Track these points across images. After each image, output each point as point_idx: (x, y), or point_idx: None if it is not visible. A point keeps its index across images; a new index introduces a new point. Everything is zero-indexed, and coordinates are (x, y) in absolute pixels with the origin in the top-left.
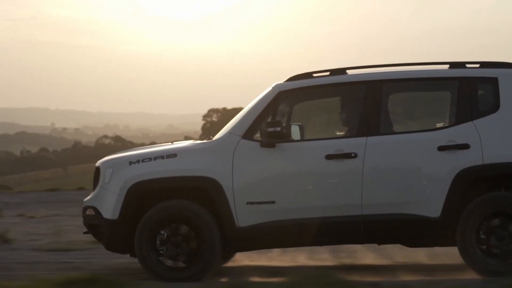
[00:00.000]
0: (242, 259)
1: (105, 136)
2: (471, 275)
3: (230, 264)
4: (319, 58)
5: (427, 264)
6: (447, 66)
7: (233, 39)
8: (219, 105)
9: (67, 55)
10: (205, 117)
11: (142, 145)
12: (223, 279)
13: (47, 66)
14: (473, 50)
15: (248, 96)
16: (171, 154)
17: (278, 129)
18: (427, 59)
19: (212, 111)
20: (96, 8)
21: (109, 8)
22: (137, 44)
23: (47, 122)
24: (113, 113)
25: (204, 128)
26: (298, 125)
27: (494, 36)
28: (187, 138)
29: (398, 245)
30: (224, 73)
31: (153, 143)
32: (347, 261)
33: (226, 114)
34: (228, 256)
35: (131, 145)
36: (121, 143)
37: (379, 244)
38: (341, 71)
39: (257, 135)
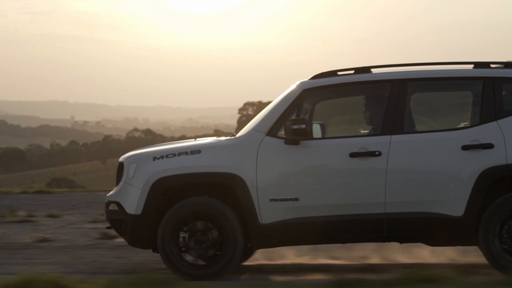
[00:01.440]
0: (257, 257)
1: (136, 130)
2: (493, 274)
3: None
4: (338, 52)
5: (444, 262)
6: (471, 66)
7: (251, 34)
8: (237, 99)
9: (86, 49)
10: (240, 110)
11: (172, 138)
12: (243, 277)
13: (66, 60)
14: (491, 45)
15: (266, 90)
16: (195, 150)
17: (303, 126)
18: (442, 54)
19: (247, 105)
20: (115, 2)
21: (127, 2)
22: (155, 38)
23: (67, 115)
24: (131, 106)
25: (239, 121)
26: (319, 123)
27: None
28: (217, 132)
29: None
30: (242, 67)
31: (183, 137)
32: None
33: (262, 107)
34: (248, 254)
35: (161, 139)
36: (151, 136)
37: (401, 242)
38: (366, 69)
39: (281, 132)
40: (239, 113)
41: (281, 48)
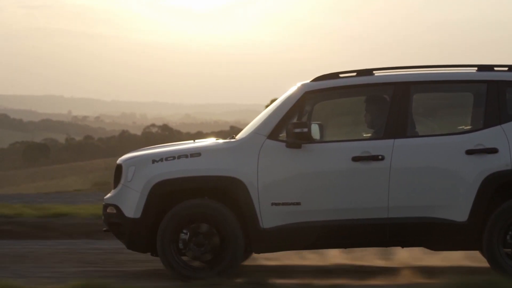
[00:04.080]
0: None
1: (153, 125)
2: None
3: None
4: (334, 50)
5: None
6: (475, 69)
7: (247, 30)
8: (234, 95)
9: (82, 43)
10: (267, 107)
11: (188, 135)
12: (240, 279)
13: (61, 54)
14: (488, 45)
15: (262, 86)
16: (195, 153)
17: (305, 130)
18: (439, 53)
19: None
20: None
21: None
22: (151, 33)
23: (63, 110)
24: (127, 101)
25: None
26: (318, 123)
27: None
28: (233, 129)
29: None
30: (238, 63)
31: (199, 133)
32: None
33: None
34: (247, 255)
35: (178, 134)
36: (168, 132)
37: (403, 247)
38: (368, 72)
39: (282, 135)
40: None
41: (277, 45)
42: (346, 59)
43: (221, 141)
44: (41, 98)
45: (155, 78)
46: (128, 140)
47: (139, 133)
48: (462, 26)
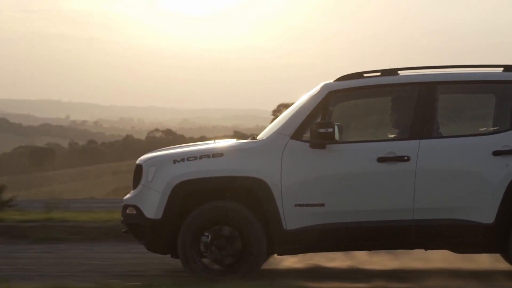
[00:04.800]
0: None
1: (156, 130)
2: None
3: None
4: (332, 55)
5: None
6: (501, 69)
7: (245, 35)
8: (230, 100)
9: (80, 48)
10: (274, 112)
11: (191, 139)
12: (264, 282)
13: (59, 59)
14: (485, 49)
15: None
16: (217, 153)
17: (330, 130)
18: (438, 56)
19: (281, 106)
20: (110, 1)
21: (122, 2)
22: (148, 38)
23: (61, 114)
24: (125, 106)
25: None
26: (337, 124)
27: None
28: (236, 134)
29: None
30: (236, 68)
31: (203, 138)
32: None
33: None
34: (266, 258)
35: (182, 139)
36: (172, 136)
37: (426, 249)
38: (393, 71)
39: (306, 135)
40: (272, 114)
41: (275, 50)
42: (345, 64)
43: (243, 141)
44: (38, 102)
45: (152, 83)
46: (131, 144)
47: (140, 137)
48: (461, 31)
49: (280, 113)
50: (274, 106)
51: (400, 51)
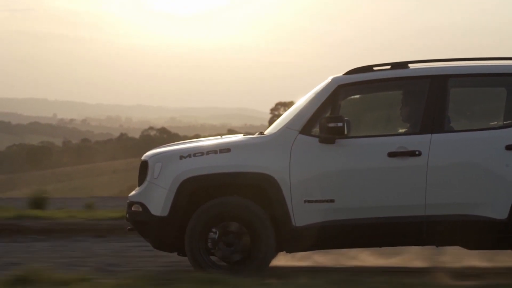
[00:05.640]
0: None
1: (151, 128)
2: None
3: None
4: (318, 54)
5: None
6: None
7: (232, 34)
8: (218, 99)
9: (65, 47)
10: (272, 110)
11: (184, 137)
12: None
13: (44, 57)
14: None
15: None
16: (224, 149)
17: (340, 124)
18: (426, 57)
19: (279, 105)
20: (95, 0)
21: (108, 1)
22: (135, 37)
23: (48, 113)
24: (112, 105)
25: (271, 121)
26: (346, 119)
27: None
28: (231, 132)
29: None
30: (222, 67)
31: (197, 136)
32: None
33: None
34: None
35: (176, 138)
36: (166, 134)
37: (437, 246)
38: (403, 65)
39: (315, 130)
40: (270, 113)
41: (261, 50)
42: (332, 63)
43: (250, 136)
44: (24, 101)
45: (139, 81)
46: (125, 143)
47: (133, 135)
48: (451, 31)
49: (279, 112)
50: (262, 105)
51: (387, 51)
